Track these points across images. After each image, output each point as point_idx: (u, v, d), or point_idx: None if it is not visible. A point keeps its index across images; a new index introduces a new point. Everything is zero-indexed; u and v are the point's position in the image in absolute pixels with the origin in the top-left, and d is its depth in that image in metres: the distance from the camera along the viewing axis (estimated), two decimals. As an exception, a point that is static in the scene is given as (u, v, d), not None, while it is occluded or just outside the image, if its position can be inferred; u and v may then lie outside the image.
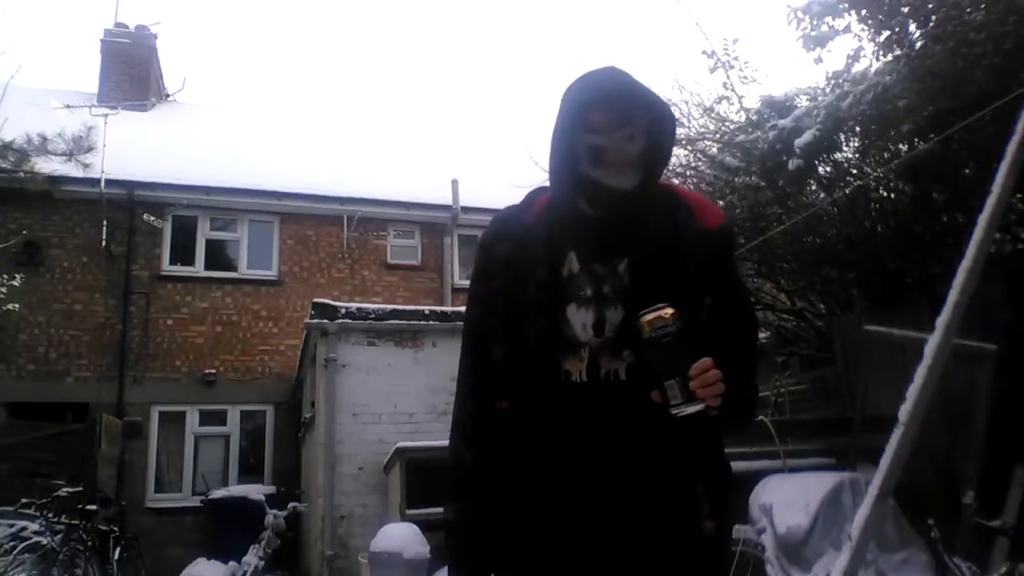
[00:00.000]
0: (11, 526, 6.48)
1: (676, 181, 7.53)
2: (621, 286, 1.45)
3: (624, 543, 1.40)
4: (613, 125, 1.44)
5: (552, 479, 1.44)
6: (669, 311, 1.34)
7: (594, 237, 1.48)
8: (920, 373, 3.74)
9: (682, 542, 1.40)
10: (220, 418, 11.13)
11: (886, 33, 5.58)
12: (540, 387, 1.45)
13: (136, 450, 10.49)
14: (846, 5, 5.56)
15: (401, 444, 6.66)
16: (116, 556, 7.51)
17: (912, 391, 3.71)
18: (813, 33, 5.77)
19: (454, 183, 12.34)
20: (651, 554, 1.40)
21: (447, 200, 12.36)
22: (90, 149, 8.84)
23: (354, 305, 8.37)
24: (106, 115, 11.02)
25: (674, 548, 1.40)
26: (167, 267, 11.34)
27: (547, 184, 1.60)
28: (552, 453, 1.44)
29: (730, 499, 1.48)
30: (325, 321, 7.83)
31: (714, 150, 8.12)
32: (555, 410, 1.44)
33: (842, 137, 6.26)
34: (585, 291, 1.46)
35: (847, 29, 5.76)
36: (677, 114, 8.92)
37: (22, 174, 8.69)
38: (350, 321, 7.91)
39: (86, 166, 9.03)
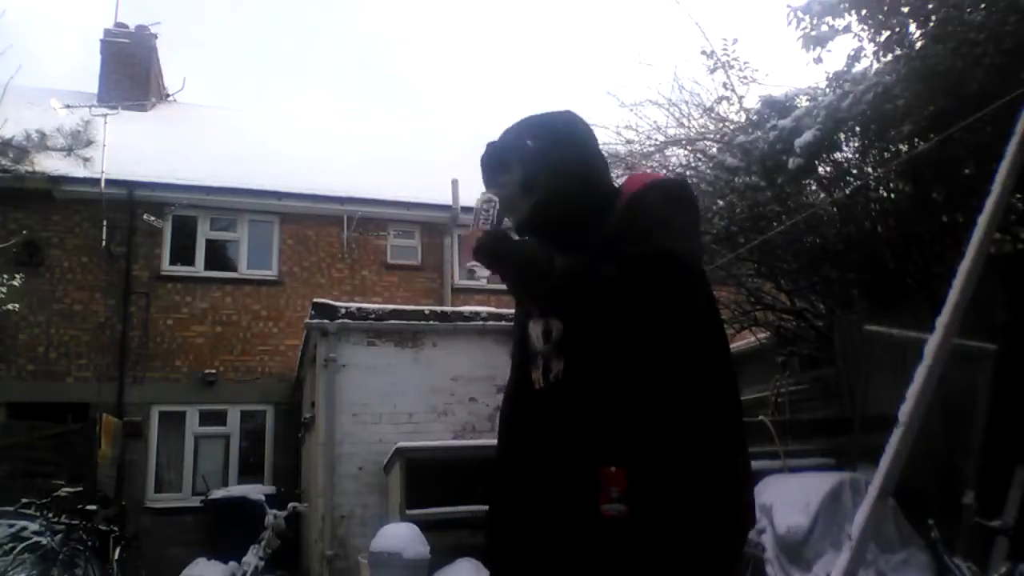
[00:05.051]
0: (11, 526, 6.47)
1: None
2: None
3: (529, 531, 1.49)
4: (487, 184, 1.61)
5: (496, 480, 1.62)
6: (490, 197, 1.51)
7: None
8: (920, 373, 3.75)
9: (573, 526, 1.41)
10: (220, 418, 11.11)
11: (886, 33, 5.58)
12: (510, 397, 1.67)
13: (136, 450, 10.47)
14: (846, 5, 5.56)
15: (401, 444, 6.66)
16: (116, 556, 7.50)
17: (912, 391, 3.72)
18: (813, 33, 5.76)
19: (454, 183, 12.32)
20: (545, 540, 1.46)
21: (447, 200, 12.34)
22: (89, 144, 8.81)
23: (354, 305, 8.36)
24: (106, 115, 11.00)
25: (564, 532, 1.42)
26: (167, 267, 11.33)
27: None
28: (502, 456, 1.63)
29: (680, 481, 1.37)
30: (325, 321, 7.83)
31: (714, 150, 8.11)
32: (515, 417, 1.63)
33: (842, 137, 6.26)
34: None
35: (847, 29, 5.75)
36: (677, 114, 8.92)
37: (23, 171, 8.66)
38: (350, 321, 7.90)
39: (86, 160, 9.01)
